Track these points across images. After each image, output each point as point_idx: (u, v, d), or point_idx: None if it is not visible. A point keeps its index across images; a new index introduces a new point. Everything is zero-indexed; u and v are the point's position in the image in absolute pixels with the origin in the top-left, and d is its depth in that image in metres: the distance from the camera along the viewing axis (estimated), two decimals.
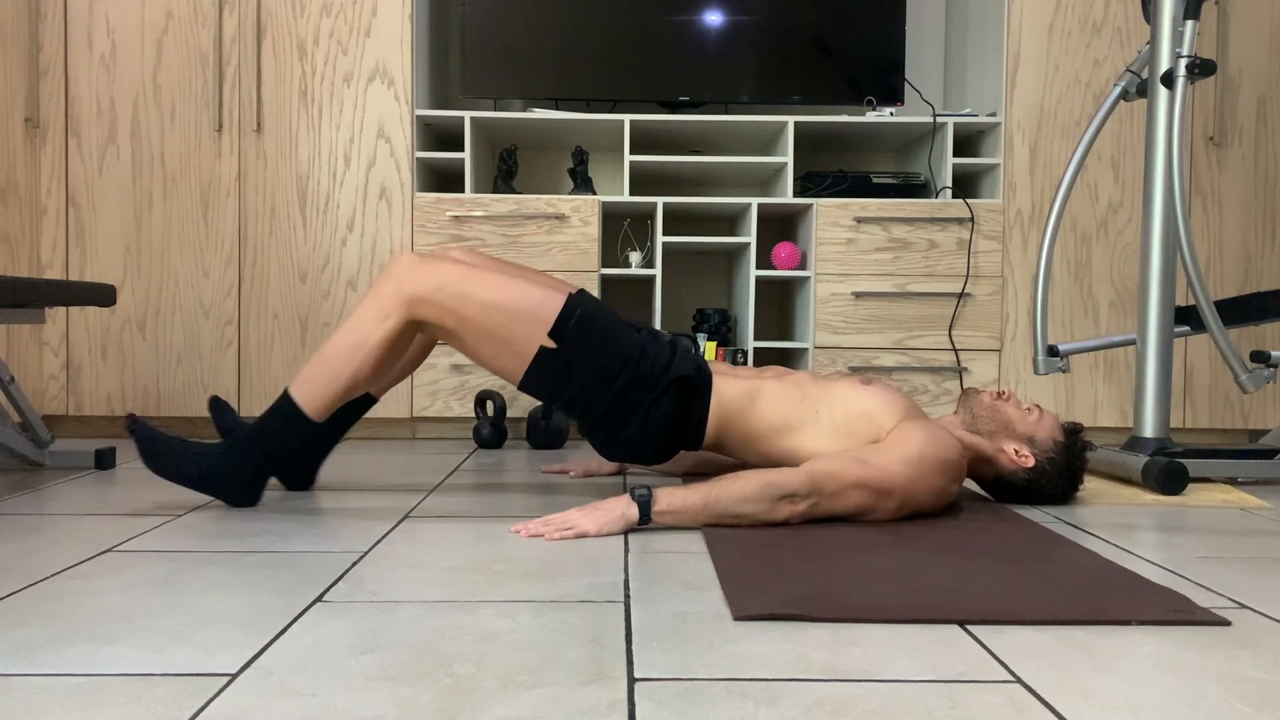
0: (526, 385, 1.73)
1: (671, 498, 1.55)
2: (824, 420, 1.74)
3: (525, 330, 1.68)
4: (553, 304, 1.70)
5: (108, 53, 2.72)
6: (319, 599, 1.18)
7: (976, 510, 1.77)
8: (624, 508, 1.54)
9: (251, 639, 1.03)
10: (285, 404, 1.68)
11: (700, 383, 1.77)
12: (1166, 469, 2.00)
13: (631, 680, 0.92)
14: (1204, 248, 2.81)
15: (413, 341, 1.77)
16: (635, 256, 2.87)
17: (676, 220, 3.14)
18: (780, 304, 3.22)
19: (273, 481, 1.98)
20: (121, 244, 2.74)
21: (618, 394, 1.72)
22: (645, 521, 1.54)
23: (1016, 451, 1.80)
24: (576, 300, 1.72)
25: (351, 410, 1.91)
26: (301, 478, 1.94)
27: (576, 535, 1.52)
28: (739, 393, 1.78)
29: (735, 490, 1.55)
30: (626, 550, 1.44)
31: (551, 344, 1.69)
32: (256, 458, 1.71)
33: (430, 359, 2.73)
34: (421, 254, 1.72)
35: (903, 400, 1.74)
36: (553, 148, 3.17)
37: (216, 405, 1.96)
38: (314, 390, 1.67)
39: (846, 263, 2.76)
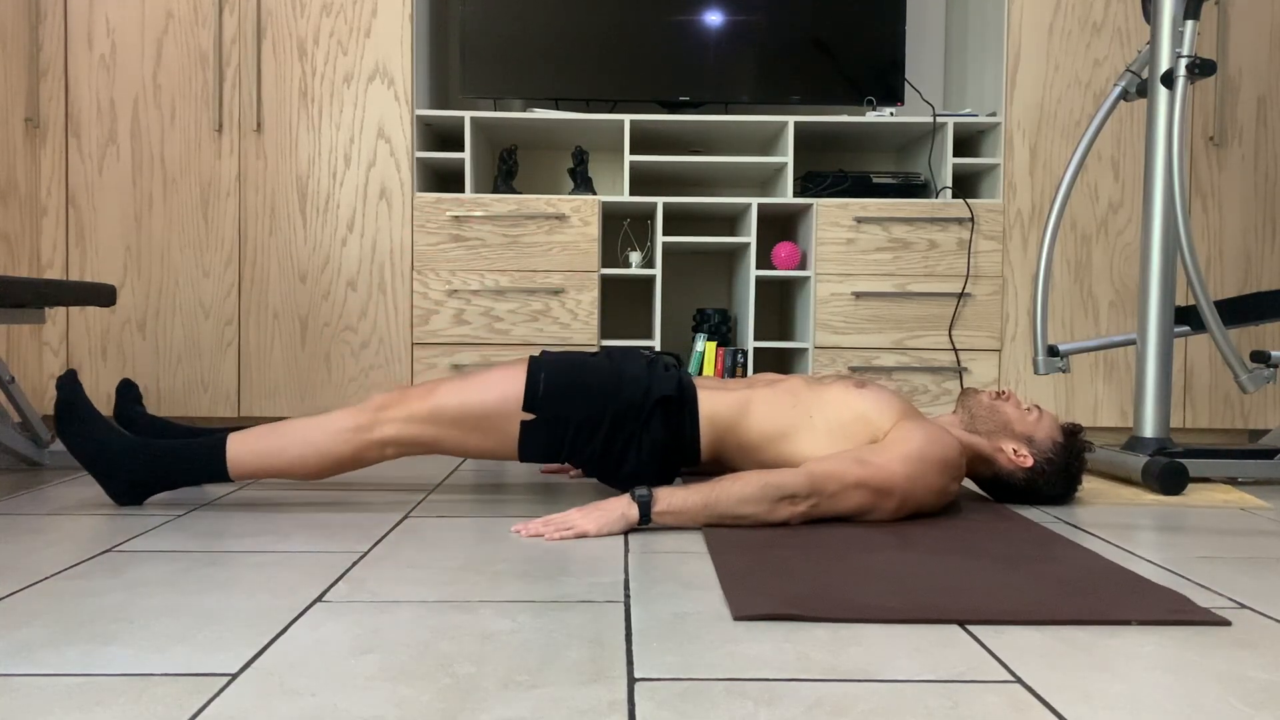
0: (525, 458, 1.78)
1: (671, 498, 1.55)
2: (819, 425, 1.74)
3: (501, 415, 1.73)
4: (515, 382, 1.74)
5: (108, 53, 2.72)
6: (319, 599, 1.18)
7: (976, 510, 1.77)
8: (624, 508, 1.54)
9: (251, 639, 1.03)
10: (217, 450, 1.69)
11: (683, 400, 1.78)
12: (1166, 469, 2.00)
13: (631, 680, 0.92)
14: (1204, 248, 2.81)
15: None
16: (635, 256, 2.87)
17: (676, 220, 3.14)
18: (780, 304, 3.21)
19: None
20: (121, 244, 2.74)
21: (607, 434, 1.75)
22: (645, 522, 1.54)
23: (1015, 451, 1.80)
24: (538, 365, 1.76)
25: None
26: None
27: (576, 535, 1.52)
28: (730, 405, 1.79)
29: (735, 491, 1.55)
30: (626, 550, 1.44)
31: (530, 416, 1.73)
32: (159, 473, 1.70)
33: (430, 359, 2.73)
34: (392, 393, 1.73)
35: (898, 401, 1.74)
36: (553, 148, 3.17)
37: (125, 386, 1.97)
38: (250, 457, 1.70)
39: (846, 263, 2.76)
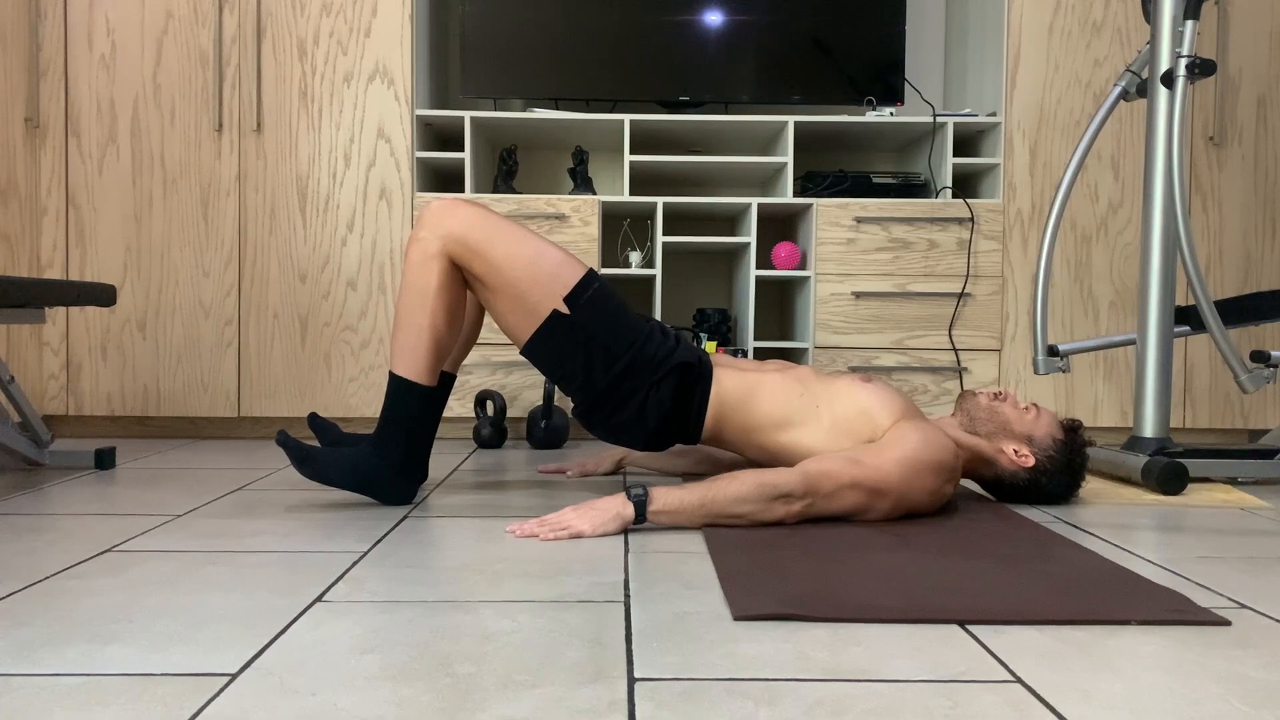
0: (532, 348, 1.75)
1: (668, 497, 1.55)
2: (823, 416, 1.74)
3: (542, 289, 1.71)
4: (572, 271, 1.73)
5: (108, 53, 2.72)
6: (319, 599, 1.18)
7: (976, 510, 1.77)
8: (619, 507, 1.54)
9: (251, 639, 1.03)
10: (396, 382, 1.72)
11: (701, 372, 1.78)
12: (1166, 469, 2.00)
13: (631, 680, 0.92)
14: (1204, 248, 2.81)
15: (465, 292, 1.78)
16: (635, 256, 2.87)
17: (676, 220, 3.14)
18: (780, 304, 3.21)
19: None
20: (121, 244, 2.74)
21: (619, 373, 1.73)
22: (640, 521, 1.54)
23: (1016, 451, 1.80)
24: (595, 275, 1.76)
25: (443, 386, 1.89)
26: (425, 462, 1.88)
27: (571, 535, 1.51)
28: (739, 385, 1.79)
29: (731, 490, 1.55)
30: (626, 550, 1.44)
31: (565, 309, 1.71)
32: (399, 441, 1.73)
33: None
34: (454, 198, 1.73)
35: (900, 400, 1.74)
36: (553, 148, 3.17)
37: (317, 423, 2.01)
38: (410, 356, 1.71)
39: (846, 263, 2.76)
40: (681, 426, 1.79)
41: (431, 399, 1.75)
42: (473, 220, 1.70)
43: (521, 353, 1.78)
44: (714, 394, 1.78)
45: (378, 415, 2.73)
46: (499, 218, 1.74)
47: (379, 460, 1.73)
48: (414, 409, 1.73)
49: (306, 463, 1.69)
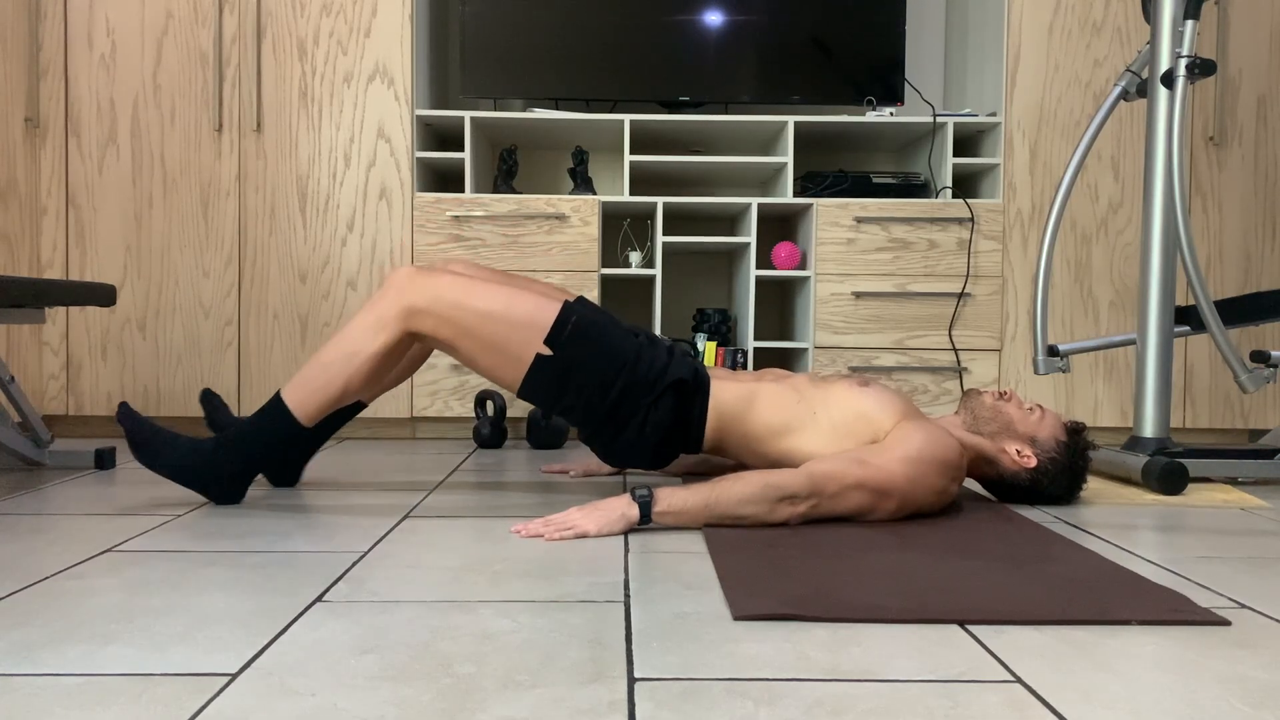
0: (525, 393, 1.75)
1: (672, 498, 1.55)
2: (821, 422, 1.74)
3: (521, 338, 1.70)
4: (548, 311, 1.71)
5: (108, 53, 2.72)
6: (319, 599, 1.18)
7: (977, 510, 1.77)
8: (624, 507, 1.54)
9: (251, 639, 1.03)
10: (276, 406, 1.69)
11: (697, 386, 1.78)
12: (1166, 469, 2.00)
13: (631, 680, 0.92)
14: (1204, 248, 2.81)
15: (407, 352, 1.78)
16: (635, 256, 2.87)
17: (676, 220, 3.14)
18: (780, 304, 3.21)
19: (260, 479, 1.99)
20: (121, 244, 2.74)
21: (615, 399, 1.73)
22: (645, 521, 1.54)
23: (1019, 452, 1.80)
24: (572, 308, 1.73)
25: (341, 414, 1.92)
26: (286, 477, 1.97)
27: (576, 535, 1.52)
28: (737, 396, 1.79)
29: (736, 491, 1.55)
30: (626, 550, 1.44)
31: (548, 351, 1.70)
32: (243, 456, 1.72)
33: (430, 359, 2.73)
34: (420, 267, 1.73)
35: (900, 401, 1.74)
36: (553, 148, 3.17)
37: (209, 399, 1.98)
38: (305, 396, 1.69)
39: (846, 263, 2.76)
40: (683, 440, 1.80)
41: (300, 438, 1.75)
42: (439, 291, 1.67)
43: (517, 396, 1.77)
44: (712, 405, 1.78)
45: (376, 417, 2.74)
46: (464, 278, 1.71)
47: (215, 462, 1.71)
48: (275, 439, 1.71)
49: (141, 448, 1.68)
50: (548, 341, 1.70)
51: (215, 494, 1.75)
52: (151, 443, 1.69)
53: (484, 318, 1.68)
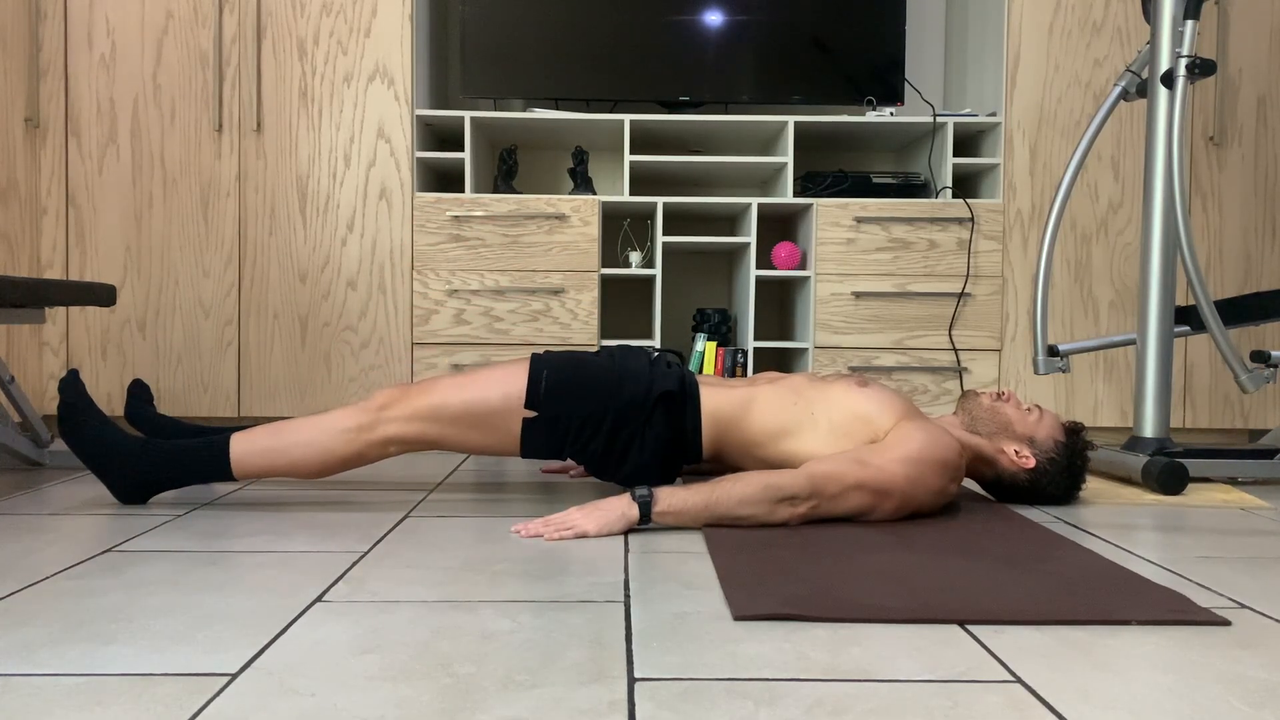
0: (527, 454, 1.78)
1: (672, 498, 1.55)
2: (820, 423, 1.74)
3: (504, 413, 1.73)
4: (517, 380, 1.75)
5: (108, 53, 2.72)
6: (319, 599, 1.18)
7: (976, 510, 1.77)
8: (624, 507, 1.54)
9: (251, 639, 1.03)
10: (220, 450, 1.70)
11: (685, 395, 1.78)
12: (1166, 469, 2.00)
13: (631, 680, 0.92)
14: (1204, 248, 2.81)
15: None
16: (635, 256, 2.87)
17: (676, 220, 3.14)
18: (780, 304, 3.21)
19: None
20: (121, 244, 2.74)
21: (610, 431, 1.75)
22: (645, 522, 1.54)
23: (1017, 452, 1.80)
24: (540, 364, 1.77)
25: None
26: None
27: (576, 535, 1.52)
28: (732, 401, 1.79)
29: (736, 492, 1.55)
30: (626, 550, 1.44)
31: (532, 414, 1.73)
32: (165, 472, 1.71)
33: (430, 359, 2.74)
34: (400, 388, 1.75)
35: (899, 401, 1.74)
36: (553, 148, 3.17)
37: (137, 387, 1.99)
38: (253, 457, 1.70)
39: (846, 263, 2.76)
40: (683, 450, 1.80)
41: (221, 479, 1.74)
42: (418, 409, 1.71)
43: (523, 458, 1.80)
44: (707, 413, 1.78)
45: None
46: (437, 384, 1.75)
47: (134, 464, 1.69)
48: (202, 472, 1.71)
49: (66, 423, 1.68)
50: (528, 405, 1.73)
51: (117, 488, 1.72)
52: (81, 421, 1.68)
53: (461, 416, 1.72)
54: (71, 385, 1.70)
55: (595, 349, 2.62)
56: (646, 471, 1.78)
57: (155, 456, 1.70)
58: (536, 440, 1.75)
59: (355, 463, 1.74)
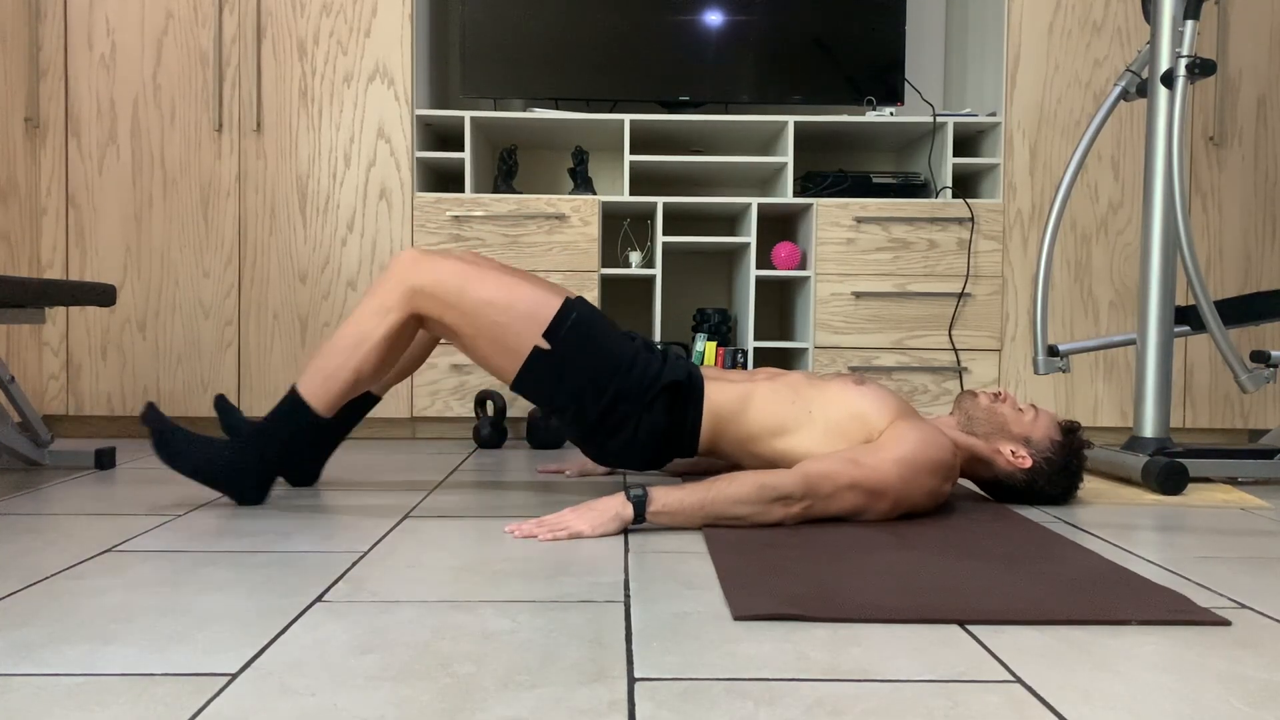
0: (519, 386, 1.75)
1: (667, 498, 1.55)
2: (817, 421, 1.74)
3: (520, 329, 1.70)
4: (549, 306, 1.72)
5: (108, 53, 2.72)
6: (319, 599, 1.18)
7: (976, 510, 1.77)
8: (618, 507, 1.54)
9: (251, 639, 1.03)
10: (293, 399, 1.69)
11: (691, 389, 1.78)
12: (1166, 469, 2.00)
13: (631, 680, 0.92)
14: (1204, 248, 2.81)
15: (414, 339, 1.79)
16: (635, 256, 2.87)
17: (676, 220, 3.14)
18: (780, 304, 3.21)
19: (278, 479, 1.98)
20: (121, 244, 2.74)
21: (607, 404, 1.73)
22: (639, 521, 1.54)
23: (1013, 453, 1.80)
24: (573, 304, 1.74)
25: (355, 408, 1.93)
26: (307, 474, 1.96)
27: (571, 536, 1.51)
28: (731, 397, 1.79)
29: (731, 491, 1.55)
30: (626, 550, 1.44)
31: (545, 345, 1.70)
32: (265, 453, 1.72)
33: (430, 359, 2.73)
34: (423, 250, 1.73)
35: (895, 400, 1.74)
36: (553, 148, 3.17)
37: (222, 404, 1.98)
38: (320, 385, 1.69)
39: (846, 263, 2.76)
40: (678, 443, 1.80)
41: (319, 428, 1.73)
42: (442, 274, 1.68)
43: (510, 389, 1.78)
44: (706, 408, 1.78)
45: (376, 417, 2.74)
46: (468, 264, 1.71)
47: (236, 462, 1.70)
48: (295, 433, 1.71)
49: (163, 446, 1.69)
50: (546, 335, 1.70)
51: (237, 493, 1.74)
52: (175, 443, 1.69)
53: (485, 305, 1.69)
54: (154, 416, 1.69)
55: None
56: (630, 454, 1.77)
57: (249, 445, 1.71)
58: (535, 375, 1.72)
59: (402, 337, 1.70)
